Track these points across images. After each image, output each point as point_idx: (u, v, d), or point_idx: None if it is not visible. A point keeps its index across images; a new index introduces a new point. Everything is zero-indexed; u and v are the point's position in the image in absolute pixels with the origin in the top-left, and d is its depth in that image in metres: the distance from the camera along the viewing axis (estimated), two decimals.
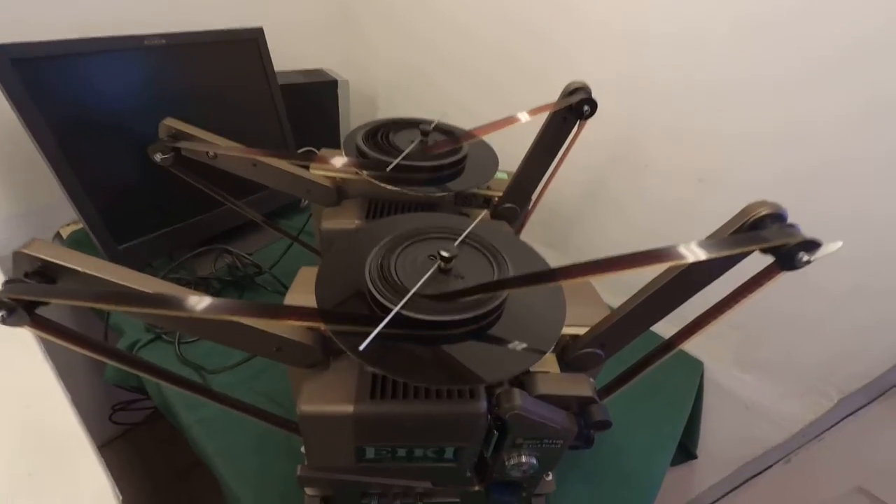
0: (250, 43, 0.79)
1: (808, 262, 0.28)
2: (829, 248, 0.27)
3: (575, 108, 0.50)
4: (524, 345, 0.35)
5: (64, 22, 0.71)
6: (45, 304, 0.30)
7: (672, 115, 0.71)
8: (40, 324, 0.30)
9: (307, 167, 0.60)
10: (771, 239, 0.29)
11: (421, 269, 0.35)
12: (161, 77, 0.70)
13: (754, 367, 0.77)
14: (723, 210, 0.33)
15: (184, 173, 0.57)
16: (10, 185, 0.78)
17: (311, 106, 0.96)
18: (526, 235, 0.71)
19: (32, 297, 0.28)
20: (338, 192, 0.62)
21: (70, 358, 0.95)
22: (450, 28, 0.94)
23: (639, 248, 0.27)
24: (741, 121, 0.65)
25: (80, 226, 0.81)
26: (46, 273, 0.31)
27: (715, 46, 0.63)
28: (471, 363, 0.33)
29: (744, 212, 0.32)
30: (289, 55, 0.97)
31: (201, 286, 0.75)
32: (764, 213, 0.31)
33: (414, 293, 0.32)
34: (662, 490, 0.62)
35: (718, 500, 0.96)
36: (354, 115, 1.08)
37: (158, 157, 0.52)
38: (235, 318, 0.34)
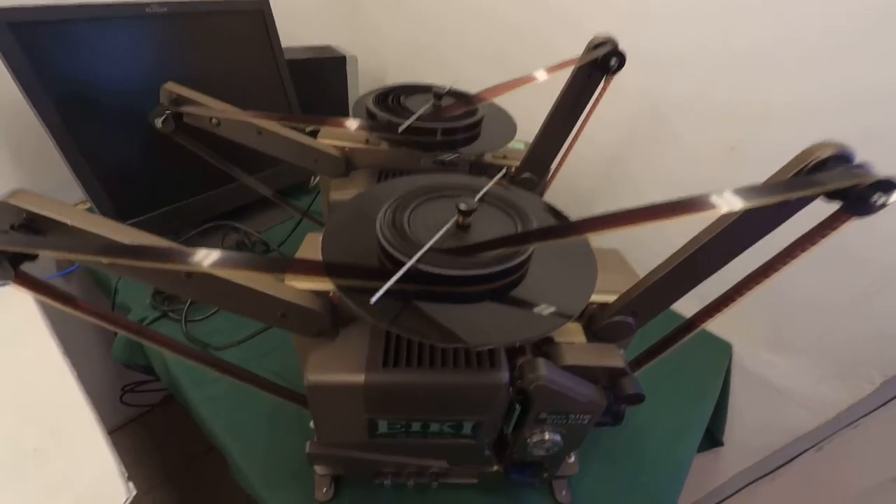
0: (255, 15, 0.76)
1: (884, 205, 0.25)
2: None
3: (601, 62, 0.46)
4: (550, 308, 0.32)
5: None
6: (33, 258, 0.28)
7: (698, 86, 0.66)
8: (25, 280, 0.28)
9: (315, 135, 0.57)
10: (839, 180, 0.25)
11: (437, 226, 0.32)
12: (163, 47, 0.67)
13: (788, 348, 0.73)
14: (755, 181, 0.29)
15: (188, 142, 0.54)
16: (20, 165, 0.77)
17: (320, 83, 0.93)
18: None
19: (17, 249, 0.26)
20: (346, 163, 0.59)
21: (79, 340, 0.95)
22: (458, 3, 0.90)
23: (663, 224, 0.23)
24: (774, 91, 0.60)
25: (88, 205, 0.80)
26: (32, 226, 0.29)
27: (746, 10, 0.58)
28: (490, 324, 0.30)
29: (803, 154, 0.28)
30: (296, 33, 0.94)
31: None
32: (827, 154, 0.27)
33: (430, 248, 0.29)
34: (687, 477, 0.59)
35: (743, 488, 0.92)
36: (363, 91, 1.05)
37: (159, 122, 0.49)
38: (236, 272, 0.32)
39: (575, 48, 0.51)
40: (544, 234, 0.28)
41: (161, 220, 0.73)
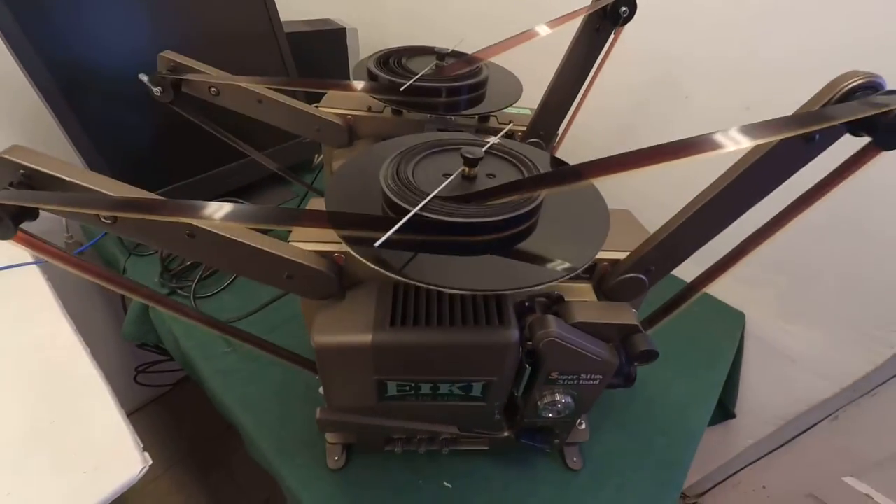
0: None
1: None
2: None
3: (611, 10, 0.44)
4: (559, 262, 0.31)
5: None
6: (33, 215, 0.27)
7: (710, 46, 0.64)
8: (27, 238, 0.27)
9: (317, 106, 0.56)
10: (865, 109, 0.24)
11: (442, 178, 0.31)
12: (162, 19, 0.66)
13: (802, 316, 0.71)
14: None
15: (187, 112, 0.53)
16: (17, 139, 0.76)
17: (320, 56, 0.91)
18: None
19: (18, 202, 0.26)
20: (349, 132, 0.58)
21: (91, 322, 0.95)
22: None
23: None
24: (789, 46, 0.57)
25: None
26: (32, 185, 0.28)
27: None
28: (495, 274, 0.29)
29: (831, 85, 0.26)
30: (295, 7, 0.92)
31: None
32: (856, 82, 0.25)
33: (435, 197, 0.28)
34: (699, 450, 0.58)
35: (758, 460, 0.92)
36: None
37: (158, 91, 0.49)
38: (238, 228, 0.31)
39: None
40: (550, 178, 0.27)
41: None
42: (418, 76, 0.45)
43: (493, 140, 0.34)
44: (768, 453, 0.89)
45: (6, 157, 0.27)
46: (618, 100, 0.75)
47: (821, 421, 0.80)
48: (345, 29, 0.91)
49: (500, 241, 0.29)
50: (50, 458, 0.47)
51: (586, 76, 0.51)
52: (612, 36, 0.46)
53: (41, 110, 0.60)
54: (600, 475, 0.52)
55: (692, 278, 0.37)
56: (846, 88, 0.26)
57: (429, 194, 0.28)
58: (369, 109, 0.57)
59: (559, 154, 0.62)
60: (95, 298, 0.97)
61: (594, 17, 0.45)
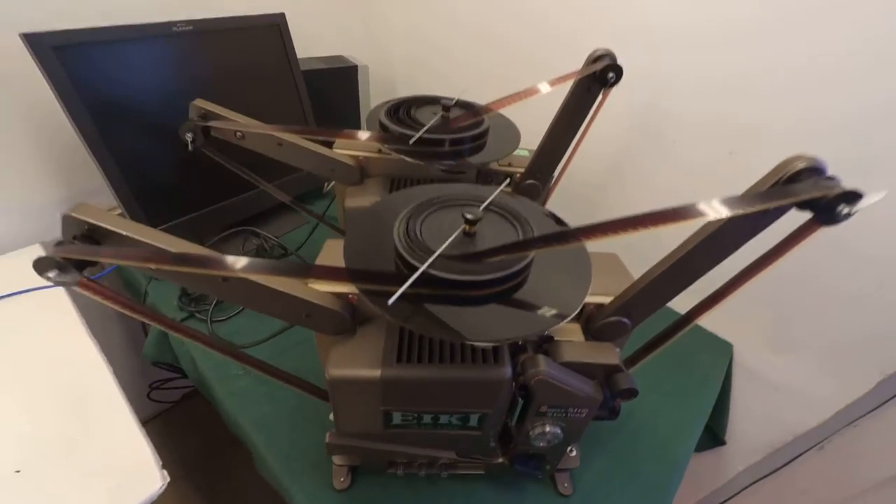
0: (273, 28, 0.81)
1: (849, 214, 0.27)
2: (871, 198, 0.26)
3: (599, 75, 0.49)
4: (549, 309, 0.35)
5: (95, 10, 0.74)
6: (94, 264, 0.32)
7: (693, 100, 0.69)
8: (87, 285, 0.32)
9: (331, 147, 0.61)
10: (808, 192, 0.28)
11: (447, 233, 0.35)
12: (189, 62, 0.72)
13: (787, 347, 0.75)
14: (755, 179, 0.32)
15: (213, 154, 0.58)
16: (55, 172, 0.82)
17: (333, 91, 0.97)
18: None
19: (82, 256, 0.30)
20: (360, 171, 0.62)
21: (109, 338, 1.00)
22: (462, 26, 0.95)
23: (659, 229, 0.26)
24: (767, 108, 0.63)
25: (119, 211, 0.85)
26: (93, 237, 0.33)
27: (737, 35, 0.61)
28: (493, 323, 0.33)
29: (780, 166, 0.31)
30: (310, 42, 0.98)
31: None
32: (801, 166, 0.30)
33: (440, 255, 0.32)
34: (691, 476, 0.61)
35: (748, 486, 0.94)
36: (375, 99, 1.09)
37: (189, 136, 0.54)
38: (270, 278, 0.36)
39: (573, 66, 0.54)
40: (544, 240, 0.31)
41: (187, 225, 0.78)
42: (425, 129, 0.50)
43: (490, 198, 0.38)
44: (758, 480, 0.92)
45: (73, 215, 0.32)
46: (608, 146, 0.80)
47: (808, 450, 0.83)
48: (356, 67, 0.97)
49: (497, 293, 0.33)
50: (75, 475, 0.50)
51: (578, 127, 0.56)
52: (601, 96, 0.51)
53: (77, 144, 0.65)
54: (590, 500, 0.55)
55: (680, 306, 0.40)
56: (793, 170, 0.30)
57: (435, 251, 0.32)
58: (379, 151, 0.62)
59: (556, 191, 0.68)
60: (114, 317, 1.02)
61: (585, 79, 0.50)
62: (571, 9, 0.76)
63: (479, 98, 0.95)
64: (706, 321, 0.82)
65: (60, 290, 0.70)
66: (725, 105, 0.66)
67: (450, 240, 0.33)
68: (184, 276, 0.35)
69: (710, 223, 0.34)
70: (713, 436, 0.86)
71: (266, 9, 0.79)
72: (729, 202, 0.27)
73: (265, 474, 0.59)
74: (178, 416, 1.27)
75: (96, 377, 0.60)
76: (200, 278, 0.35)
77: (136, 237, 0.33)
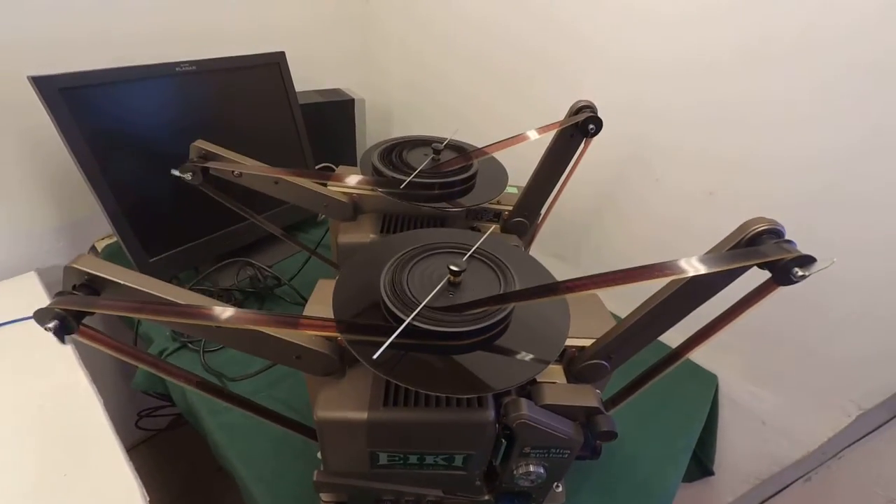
0: (272, 67, 0.84)
1: (804, 276, 0.29)
2: (822, 264, 0.28)
3: (581, 126, 0.52)
4: (530, 355, 0.37)
5: (107, 57, 0.77)
6: (92, 314, 0.33)
7: (678, 137, 0.72)
8: (87, 333, 0.33)
9: (325, 184, 0.63)
10: (767, 254, 0.30)
11: (432, 283, 0.37)
12: (191, 100, 0.75)
13: (769, 381, 0.76)
14: (729, 226, 0.34)
15: (210, 191, 0.60)
16: (52, 200, 0.83)
17: (330, 124, 1.00)
18: (536, 247, 0.73)
19: (80, 308, 0.31)
20: (354, 208, 0.64)
21: (99, 366, 1.00)
22: (459, 54, 0.98)
23: (647, 259, 0.29)
24: (746, 144, 0.66)
25: (115, 239, 0.86)
26: (91, 285, 0.34)
27: (721, 70, 0.64)
28: (479, 372, 0.34)
29: (742, 227, 0.33)
30: (310, 76, 1.02)
31: (224, 297, 0.79)
32: (761, 228, 0.32)
33: (425, 306, 0.34)
34: None
35: None
36: (371, 131, 1.13)
37: (189, 175, 0.56)
38: (258, 328, 0.37)
39: (565, 97, 0.57)
40: (526, 294, 0.33)
41: (183, 255, 0.79)
42: (414, 174, 0.52)
43: (475, 247, 0.40)
44: None
45: (74, 266, 0.33)
46: (598, 173, 0.83)
47: (795, 481, 0.83)
48: (353, 100, 1.01)
49: (480, 342, 0.35)
50: None
51: (563, 170, 0.59)
52: (583, 145, 0.54)
53: (74, 172, 0.66)
54: None
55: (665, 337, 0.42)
56: (756, 231, 0.32)
57: (420, 303, 0.34)
58: (372, 189, 0.64)
59: (544, 225, 0.70)
60: None
61: (568, 128, 0.53)
62: (569, 41, 0.79)
63: (475, 126, 1.00)
64: (692, 353, 0.84)
65: None
66: (713, 135, 0.69)
67: (434, 291, 0.35)
68: (178, 322, 0.36)
69: (676, 279, 0.36)
70: (701, 466, 0.86)
71: (268, 42, 0.82)
72: (700, 260, 0.29)
73: None
74: (166, 442, 1.26)
75: (86, 407, 0.61)
76: (192, 325, 0.36)
77: (133, 286, 0.34)
